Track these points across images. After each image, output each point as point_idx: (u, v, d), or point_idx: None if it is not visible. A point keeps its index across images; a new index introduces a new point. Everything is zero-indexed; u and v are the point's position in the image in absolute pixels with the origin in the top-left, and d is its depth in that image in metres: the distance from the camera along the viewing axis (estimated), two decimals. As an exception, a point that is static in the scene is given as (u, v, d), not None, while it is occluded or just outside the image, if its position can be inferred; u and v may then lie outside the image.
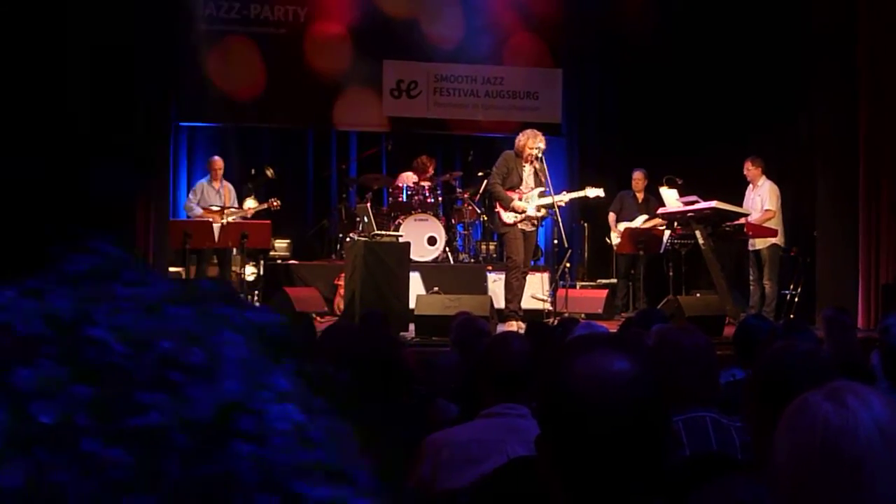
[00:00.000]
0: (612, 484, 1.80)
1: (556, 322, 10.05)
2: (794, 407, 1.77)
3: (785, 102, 13.74)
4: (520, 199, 11.12)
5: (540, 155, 11.15)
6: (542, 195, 11.21)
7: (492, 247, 14.39)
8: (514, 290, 11.21)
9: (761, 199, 12.54)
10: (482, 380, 3.96)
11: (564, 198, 11.45)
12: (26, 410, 0.67)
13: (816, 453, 1.69)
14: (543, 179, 11.23)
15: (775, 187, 12.56)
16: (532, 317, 11.14)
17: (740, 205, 12.49)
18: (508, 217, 11.15)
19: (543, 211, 11.26)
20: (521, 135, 11.34)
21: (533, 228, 11.35)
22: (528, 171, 11.26)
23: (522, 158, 11.21)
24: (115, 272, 0.78)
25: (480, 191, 14.11)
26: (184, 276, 12.14)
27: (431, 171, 14.33)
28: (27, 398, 0.68)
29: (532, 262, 13.74)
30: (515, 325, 10.60)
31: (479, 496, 3.40)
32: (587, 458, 1.79)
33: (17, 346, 0.70)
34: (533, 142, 11.11)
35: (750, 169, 12.65)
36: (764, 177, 12.62)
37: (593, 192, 11.72)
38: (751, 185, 12.73)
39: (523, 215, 11.09)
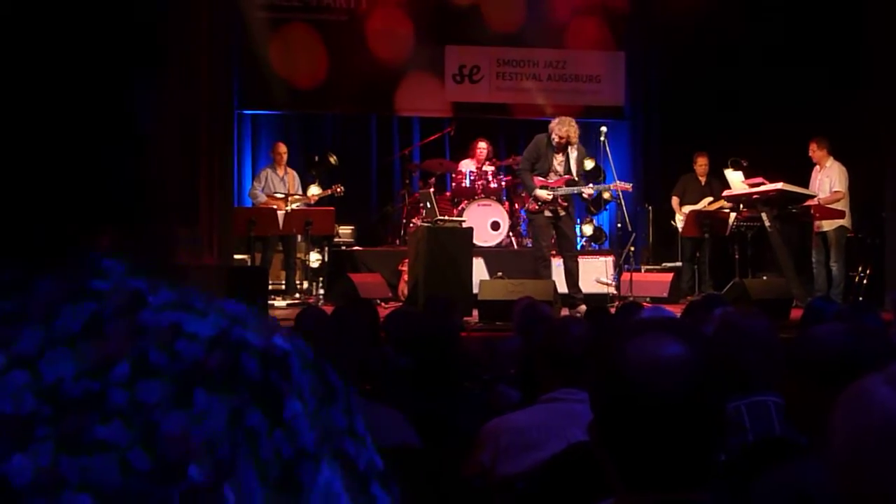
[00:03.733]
0: (666, 468, 1.79)
1: (617, 307, 10.02)
2: (852, 391, 1.74)
3: (852, 81, 13.53)
4: (544, 188, 11.09)
5: (565, 144, 11.11)
6: (568, 185, 11.18)
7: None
8: (542, 278, 11.14)
9: (830, 180, 12.35)
10: (542, 365, 3.95)
11: (588, 190, 11.38)
12: None
13: (874, 439, 1.66)
14: (575, 169, 11.18)
15: (844, 168, 12.36)
16: (596, 301, 11.07)
17: (806, 186, 12.34)
18: (530, 204, 11.24)
19: (593, 197, 11.30)
20: (553, 121, 11.33)
21: (560, 215, 11.28)
22: (559, 159, 11.23)
23: (553, 145, 11.19)
24: (129, 308, 0.66)
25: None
26: (249, 263, 12.24)
27: (478, 153, 14.24)
28: (21, 497, 0.59)
29: (595, 246, 13.70)
30: None
31: (539, 481, 3.40)
32: (639, 442, 1.78)
33: (6, 428, 0.60)
34: (560, 128, 11.09)
35: (815, 150, 12.46)
36: (831, 158, 12.42)
37: (619, 185, 11.71)
38: (817, 167, 12.55)
39: (544, 205, 11.09)
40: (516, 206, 14.28)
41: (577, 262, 11.40)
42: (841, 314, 5.57)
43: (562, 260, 11.40)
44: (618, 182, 11.70)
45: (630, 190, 12.09)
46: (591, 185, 11.52)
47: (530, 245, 14.03)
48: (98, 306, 0.66)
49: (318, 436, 0.66)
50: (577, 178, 11.22)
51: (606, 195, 12.05)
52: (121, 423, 0.61)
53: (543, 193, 11.07)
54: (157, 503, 0.60)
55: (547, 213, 11.16)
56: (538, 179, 11.16)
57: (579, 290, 11.27)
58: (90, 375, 0.62)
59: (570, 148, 11.16)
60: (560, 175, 11.21)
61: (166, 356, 0.64)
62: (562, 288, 11.40)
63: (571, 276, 11.23)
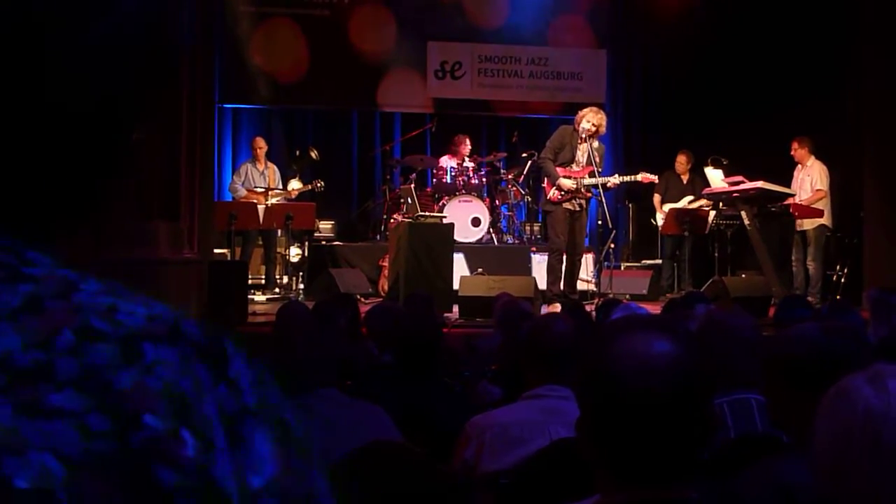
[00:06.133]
0: (654, 464, 1.79)
1: (597, 303, 10.02)
2: (835, 391, 1.75)
3: (831, 80, 13.58)
4: (568, 178, 10.93)
5: (593, 133, 10.92)
6: (591, 175, 10.99)
7: (536, 228, 14.35)
8: (556, 273, 11.01)
9: (811, 178, 12.39)
10: (525, 361, 3.96)
11: (615, 180, 11.24)
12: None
13: (857, 438, 1.67)
14: (598, 160, 11.00)
15: (825, 167, 12.41)
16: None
17: (789, 185, 12.37)
18: (553, 194, 10.99)
19: (590, 192, 11.08)
20: (582, 110, 11.17)
21: (580, 209, 11.09)
22: (582, 150, 11.03)
23: (578, 134, 11.01)
24: (65, 291, 0.65)
25: (524, 172, 14.09)
26: (229, 257, 12.22)
27: (464, 149, 14.22)
28: None
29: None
30: (559, 308, 10.48)
31: (523, 477, 3.40)
32: (628, 439, 1.78)
33: None
34: (594, 117, 10.88)
35: (797, 149, 12.50)
36: (812, 157, 12.46)
37: (646, 177, 11.52)
38: (799, 165, 12.60)
39: (568, 194, 10.89)
40: (497, 202, 14.29)
41: (581, 262, 11.33)
42: (818, 314, 5.62)
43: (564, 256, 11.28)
44: (645, 174, 11.56)
45: (657, 181, 11.96)
46: (616, 174, 11.43)
47: (511, 241, 14.05)
48: (34, 288, 0.65)
49: (258, 399, 0.67)
50: (599, 170, 11.02)
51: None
52: (73, 390, 0.60)
53: (568, 182, 10.84)
54: (118, 458, 0.59)
55: (566, 206, 10.98)
56: (561, 169, 11.00)
57: (575, 290, 11.19)
58: (36, 346, 0.61)
59: (592, 139, 10.98)
60: (583, 166, 11.02)
61: (109, 324, 0.63)
62: (542, 285, 11.37)
63: (572, 276, 11.15)
